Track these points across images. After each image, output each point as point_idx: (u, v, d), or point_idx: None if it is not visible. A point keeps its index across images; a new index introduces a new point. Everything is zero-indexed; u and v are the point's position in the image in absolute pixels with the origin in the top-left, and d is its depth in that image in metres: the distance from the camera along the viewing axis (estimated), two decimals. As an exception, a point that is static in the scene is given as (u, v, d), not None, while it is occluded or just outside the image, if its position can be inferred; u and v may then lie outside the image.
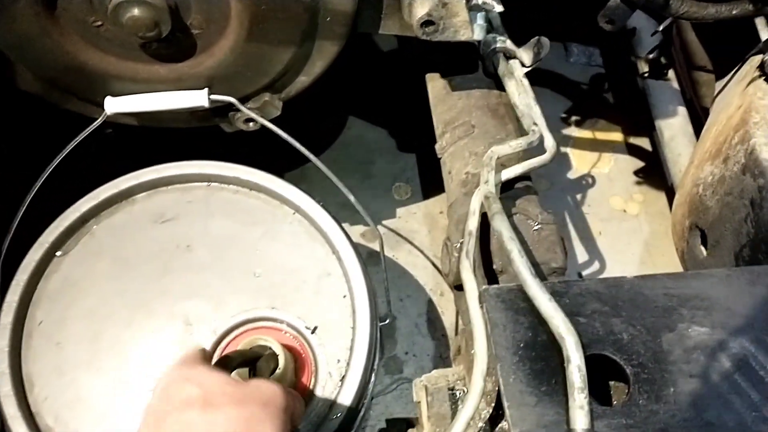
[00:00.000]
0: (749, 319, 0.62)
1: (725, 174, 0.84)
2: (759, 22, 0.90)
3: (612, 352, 0.60)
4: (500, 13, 1.03)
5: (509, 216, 0.86)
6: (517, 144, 0.86)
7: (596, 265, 1.64)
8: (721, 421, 0.57)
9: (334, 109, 1.78)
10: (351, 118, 1.80)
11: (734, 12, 0.87)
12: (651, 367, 0.60)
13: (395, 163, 1.75)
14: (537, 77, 1.82)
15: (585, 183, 1.75)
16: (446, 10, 0.80)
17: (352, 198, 1.00)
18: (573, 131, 1.83)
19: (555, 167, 1.75)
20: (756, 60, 0.88)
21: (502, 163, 0.88)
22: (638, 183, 1.74)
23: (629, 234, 1.69)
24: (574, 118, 1.83)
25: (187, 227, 0.96)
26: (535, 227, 0.86)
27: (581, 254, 1.65)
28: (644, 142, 1.78)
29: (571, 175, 1.77)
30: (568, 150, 1.80)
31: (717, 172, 0.87)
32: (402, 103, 1.69)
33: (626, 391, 0.60)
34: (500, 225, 0.69)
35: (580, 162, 1.78)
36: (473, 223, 0.76)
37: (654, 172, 1.71)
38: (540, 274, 0.84)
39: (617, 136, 1.81)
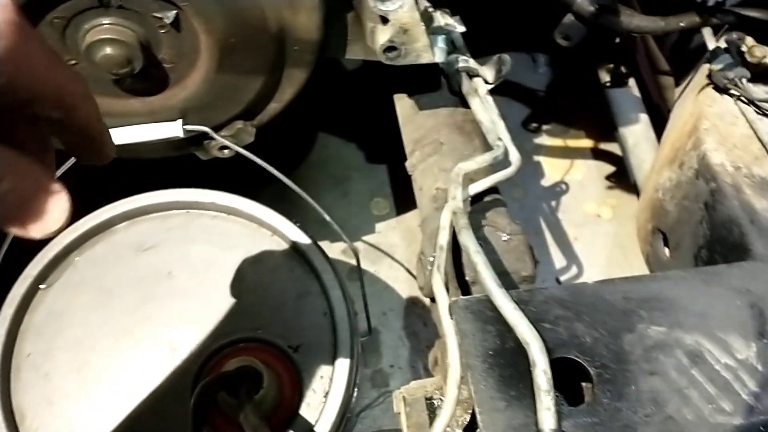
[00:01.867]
0: (703, 317, 0.66)
1: (681, 179, 0.88)
2: (706, 32, 0.95)
3: (576, 355, 0.64)
4: (462, 33, 1.07)
5: (479, 228, 0.90)
6: (483, 159, 0.89)
7: (573, 270, 1.67)
8: (680, 415, 0.61)
9: (310, 128, 1.81)
10: (327, 136, 1.83)
11: (682, 24, 0.91)
12: (613, 367, 0.63)
13: (372, 179, 1.78)
14: (506, 88, 1.88)
15: (559, 190, 1.79)
16: (407, 35, 0.84)
17: (327, 217, 1.03)
18: (545, 140, 1.87)
19: (529, 176, 1.79)
20: (706, 69, 0.92)
21: (471, 178, 0.92)
22: (610, 188, 1.79)
23: (604, 238, 1.73)
24: (544, 127, 1.88)
25: (168, 254, 0.98)
26: (504, 238, 0.89)
27: (558, 260, 1.69)
28: (614, 148, 1.82)
29: (545, 183, 1.81)
30: (541, 159, 1.84)
31: (674, 177, 0.91)
32: (377, 120, 1.72)
33: (591, 391, 0.63)
34: (466, 239, 0.72)
35: (553, 170, 1.82)
36: (444, 238, 0.79)
37: (625, 177, 1.76)
38: (510, 283, 0.88)
39: (588, 143, 1.86)
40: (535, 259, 0.90)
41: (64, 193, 0.40)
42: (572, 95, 1.91)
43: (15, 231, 0.39)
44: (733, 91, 0.87)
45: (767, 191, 0.78)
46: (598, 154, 1.84)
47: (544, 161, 1.83)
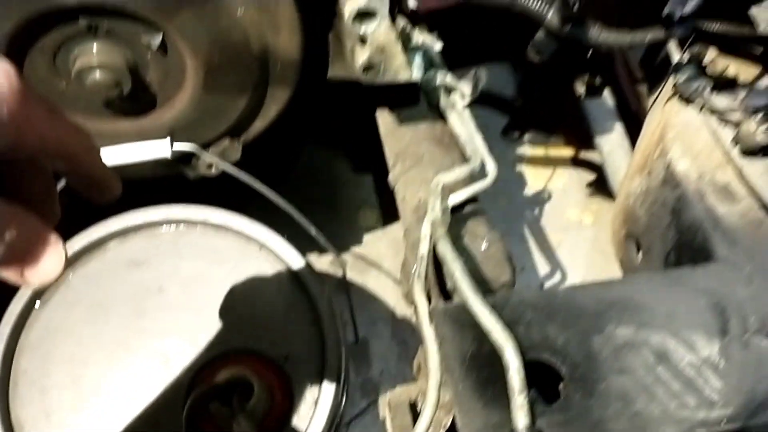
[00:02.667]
0: (669, 317, 0.70)
1: (650, 186, 0.92)
2: (671, 44, 0.99)
3: (548, 356, 0.67)
4: (440, 48, 1.10)
5: (459, 237, 0.93)
6: (460, 171, 0.93)
7: (558, 276, 1.71)
8: (647, 411, 0.64)
9: (297, 141, 1.84)
10: (314, 149, 1.86)
11: (648, 38, 0.95)
12: (584, 366, 0.67)
13: (359, 191, 1.82)
14: (487, 98, 1.92)
15: (541, 198, 1.83)
16: (385, 55, 0.88)
17: (313, 231, 1.06)
18: (526, 149, 1.91)
19: (512, 185, 1.83)
20: (672, 80, 0.96)
21: (451, 189, 0.95)
22: (591, 194, 1.83)
23: (587, 243, 1.77)
24: (526, 136, 1.92)
25: (159, 270, 1.01)
26: (483, 246, 0.93)
27: (542, 266, 1.72)
28: (594, 155, 1.86)
29: (528, 191, 1.85)
30: (523, 167, 1.88)
31: (644, 184, 0.95)
32: (363, 132, 1.76)
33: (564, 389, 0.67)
34: (444, 248, 0.75)
35: (535, 178, 1.87)
36: (424, 248, 0.82)
37: (605, 183, 1.80)
38: (490, 290, 0.91)
39: (568, 150, 1.90)
40: (513, 265, 0.93)
41: (61, 245, 0.43)
42: (552, 104, 1.95)
43: (13, 279, 0.42)
44: (697, 101, 0.91)
45: (729, 197, 0.82)
46: (578, 162, 1.88)
47: (527, 170, 1.87)
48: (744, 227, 0.78)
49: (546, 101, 1.95)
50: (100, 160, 0.48)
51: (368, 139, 1.55)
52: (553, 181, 1.86)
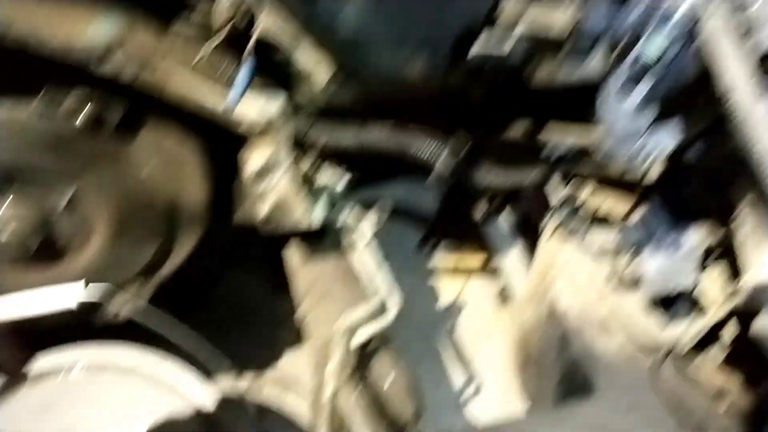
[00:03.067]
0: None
1: (538, 318, 0.99)
2: (553, 182, 1.08)
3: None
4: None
5: (365, 376, 0.97)
6: (363, 311, 0.97)
7: (473, 387, 1.74)
8: None
9: (213, 267, 1.86)
10: (231, 272, 1.88)
11: (531, 177, 1.03)
12: None
13: (277, 309, 1.83)
14: (403, 212, 1.98)
15: (454, 310, 1.88)
16: (284, 209, 0.93)
17: (224, 364, 1.08)
18: (441, 260, 1.98)
19: (427, 298, 1.89)
20: (555, 216, 1.04)
21: (356, 328, 0.99)
22: (502, 303, 1.89)
23: (500, 352, 1.82)
24: (439, 247, 1.99)
25: (69, 415, 1.01)
26: (389, 382, 0.96)
27: (458, 379, 1.75)
28: (503, 264, 1.94)
29: (443, 302, 1.91)
30: (438, 278, 1.94)
31: (534, 315, 1.01)
32: (279, 253, 1.79)
33: None
34: (343, 400, 0.79)
35: (448, 290, 1.92)
36: (328, 393, 0.86)
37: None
38: (397, 425, 0.94)
39: (480, 260, 1.97)
40: (418, 398, 0.97)
41: None
42: (465, 214, 2.03)
43: None
44: (576, 238, 0.99)
45: (606, 331, 0.89)
46: (488, 272, 1.95)
47: (441, 280, 1.93)
48: (621, 361, 0.85)
49: (458, 212, 2.04)
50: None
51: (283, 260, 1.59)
52: (466, 290, 1.92)
